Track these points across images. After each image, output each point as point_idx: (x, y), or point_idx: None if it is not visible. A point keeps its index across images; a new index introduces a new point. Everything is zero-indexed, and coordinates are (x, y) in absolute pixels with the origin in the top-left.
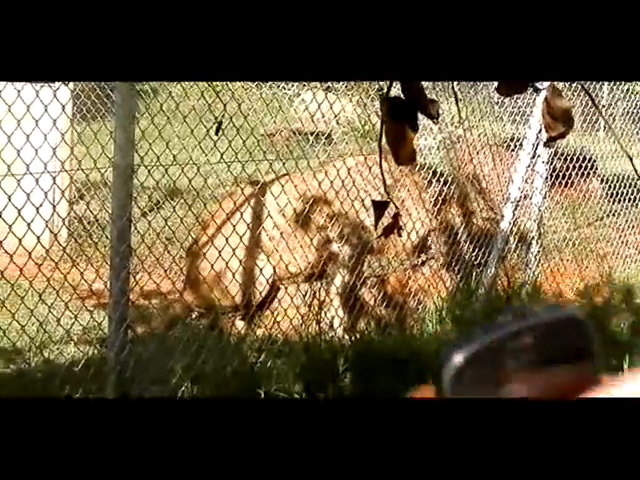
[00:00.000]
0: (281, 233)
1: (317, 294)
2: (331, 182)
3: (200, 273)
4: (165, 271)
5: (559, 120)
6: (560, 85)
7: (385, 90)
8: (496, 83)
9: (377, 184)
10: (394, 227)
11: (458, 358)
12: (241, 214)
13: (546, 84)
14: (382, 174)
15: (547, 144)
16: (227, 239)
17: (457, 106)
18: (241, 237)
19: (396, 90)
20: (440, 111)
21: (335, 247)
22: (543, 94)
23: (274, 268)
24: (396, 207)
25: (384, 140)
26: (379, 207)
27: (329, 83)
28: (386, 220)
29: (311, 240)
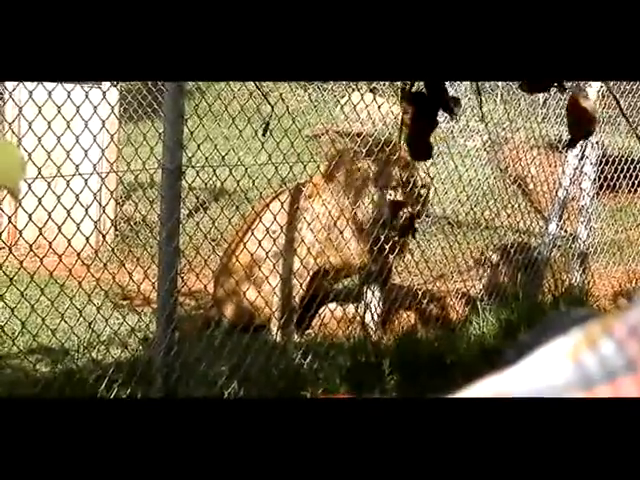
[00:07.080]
0: (328, 233)
1: (363, 296)
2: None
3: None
4: (213, 272)
5: (582, 120)
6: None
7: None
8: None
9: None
10: (409, 228)
11: None
12: (287, 213)
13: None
14: (400, 169)
15: (569, 145)
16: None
17: (480, 106)
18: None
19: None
20: (484, 112)
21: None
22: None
23: (319, 269)
24: (412, 207)
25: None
26: (395, 207)
27: (375, 84)
28: None
29: (357, 240)
